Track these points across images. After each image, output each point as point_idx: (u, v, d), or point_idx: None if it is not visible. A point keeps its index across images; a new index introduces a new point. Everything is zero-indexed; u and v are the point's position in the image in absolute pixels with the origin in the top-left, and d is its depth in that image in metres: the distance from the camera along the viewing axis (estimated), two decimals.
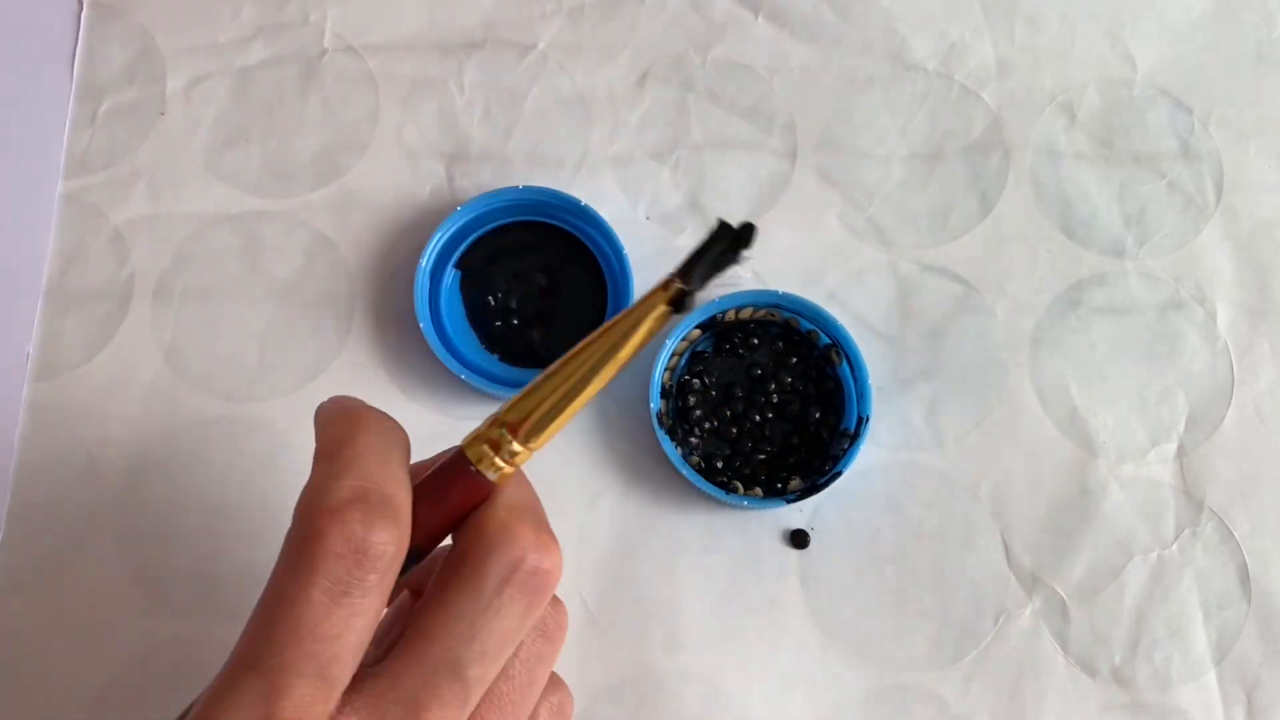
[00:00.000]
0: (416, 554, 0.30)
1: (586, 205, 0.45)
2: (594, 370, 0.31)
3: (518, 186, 0.46)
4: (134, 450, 0.46)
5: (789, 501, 0.43)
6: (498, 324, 0.46)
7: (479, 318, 0.46)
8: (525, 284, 0.46)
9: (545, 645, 0.29)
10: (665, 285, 0.31)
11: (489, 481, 0.30)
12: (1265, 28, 0.50)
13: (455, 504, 0.30)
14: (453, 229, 0.46)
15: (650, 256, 0.47)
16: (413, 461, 0.31)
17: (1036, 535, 0.44)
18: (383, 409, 0.43)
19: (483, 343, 0.46)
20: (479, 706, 0.28)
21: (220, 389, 0.46)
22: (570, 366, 0.31)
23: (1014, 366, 0.46)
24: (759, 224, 0.48)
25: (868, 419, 0.44)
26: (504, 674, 0.28)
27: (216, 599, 0.44)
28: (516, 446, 0.30)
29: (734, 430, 0.45)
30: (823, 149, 0.48)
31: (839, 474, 0.43)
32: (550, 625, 0.30)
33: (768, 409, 0.45)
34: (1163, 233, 0.47)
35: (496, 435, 0.30)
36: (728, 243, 0.32)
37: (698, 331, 0.45)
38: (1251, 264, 0.47)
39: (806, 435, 0.45)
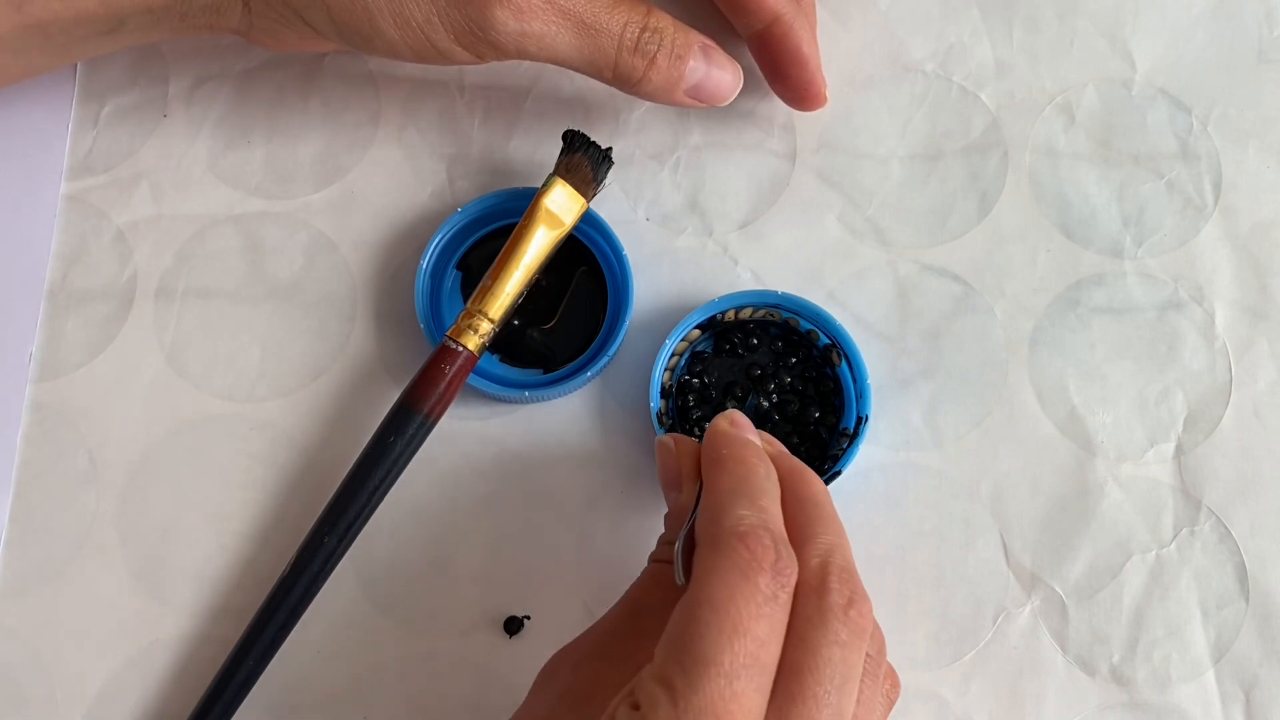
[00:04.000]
0: (426, 420, 0.42)
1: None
2: (517, 254, 0.43)
3: (518, 188, 0.46)
4: (135, 450, 0.46)
5: None
6: None
7: None
8: None
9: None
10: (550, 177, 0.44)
11: (471, 352, 0.42)
12: (1267, 26, 0.50)
13: (444, 376, 0.42)
14: (453, 230, 0.46)
15: (650, 257, 0.47)
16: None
17: (1035, 534, 0.45)
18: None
19: None
20: None
21: (222, 389, 0.46)
22: (504, 259, 0.43)
23: (1013, 366, 0.46)
24: (759, 224, 0.49)
25: (867, 419, 0.44)
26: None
27: (216, 599, 0.44)
28: (480, 320, 0.43)
29: None
30: (822, 150, 0.49)
31: (838, 473, 0.43)
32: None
33: (768, 409, 0.45)
34: (1161, 233, 0.47)
35: (466, 321, 0.43)
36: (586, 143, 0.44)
37: (697, 331, 0.45)
38: (1250, 264, 0.47)
39: (806, 435, 0.45)
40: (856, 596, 0.33)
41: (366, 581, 0.44)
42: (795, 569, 0.33)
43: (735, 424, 0.38)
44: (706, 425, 0.44)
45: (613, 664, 0.35)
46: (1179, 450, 0.45)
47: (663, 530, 0.40)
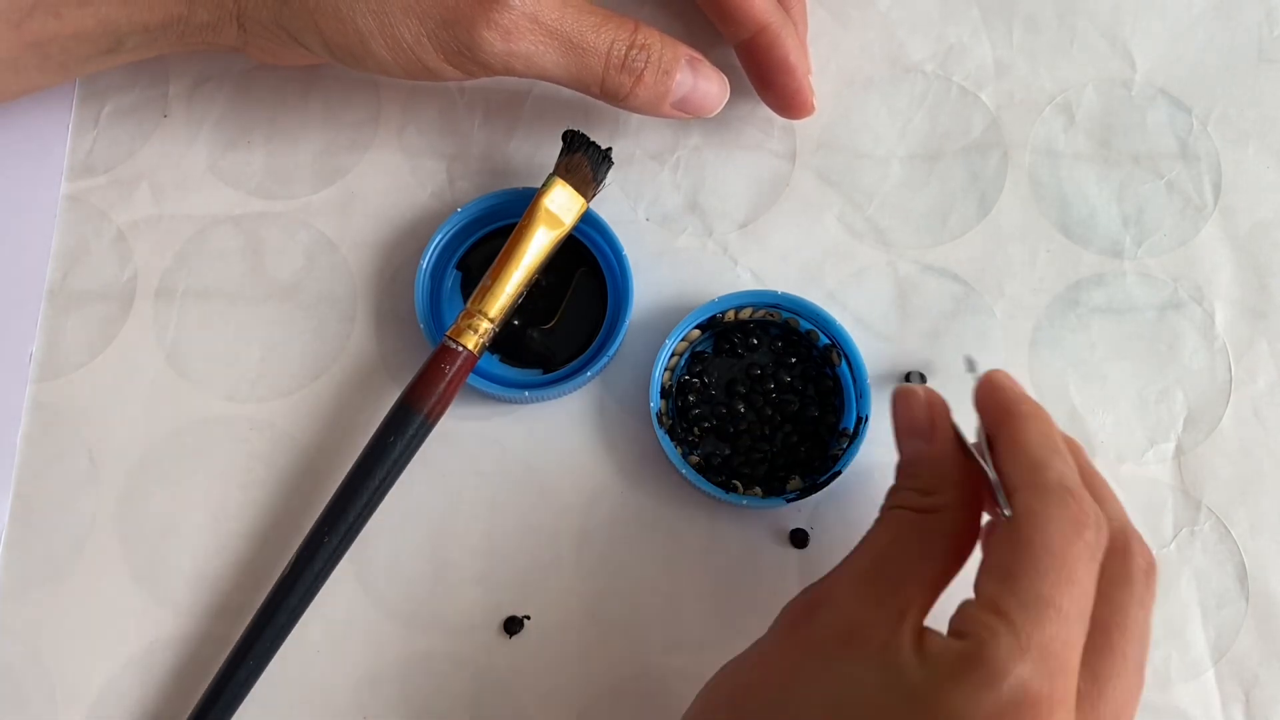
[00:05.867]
0: (426, 420, 0.42)
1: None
2: (517, 254, 0.43)
3: (518, 188, 0.46)
4: (136, 450, 0.46)
5: (789, 501, 0.43)
6: None
7: None
8: None
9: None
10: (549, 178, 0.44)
11: (471, 352, 0.42)
12: (1267, 25, 0.50)
13: (443, 376, 0.42)
14: (453, 230, 0.46)
15: (650, 257, 0.47)
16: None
17: None
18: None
19: None
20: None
21: (222, 389, 0.46)
22: (504, 259, 0.43)
23: (1013, 366, 0.46)
24: (759, 224, 0.49)
25: (867, 418, 0.44)
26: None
27: (216, 599, 0.44)
28: (480, 320, 0.43)
29: (733, 430, 0.45)
30: (821, 150, 0.49)
31: (838, 473, 0.43)
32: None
33: (767, 409, 0.45)
34: (1161, 232, 0.48)
35: (466, 321, 0.43)
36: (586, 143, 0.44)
37: (697, 331, 0.45)
38: (1250, 264, 0.47)
39: (806, 435, 0.45)
40: (1153, 564, 0.35)
41: (366, 581, 0.44)
42: (1108, 532, 0.34)
43: (1014, 381, 0.39)
44: (707, 425, 0.45)
45: (872, 604, 0.35)
46: (1179, 450, 0.45)
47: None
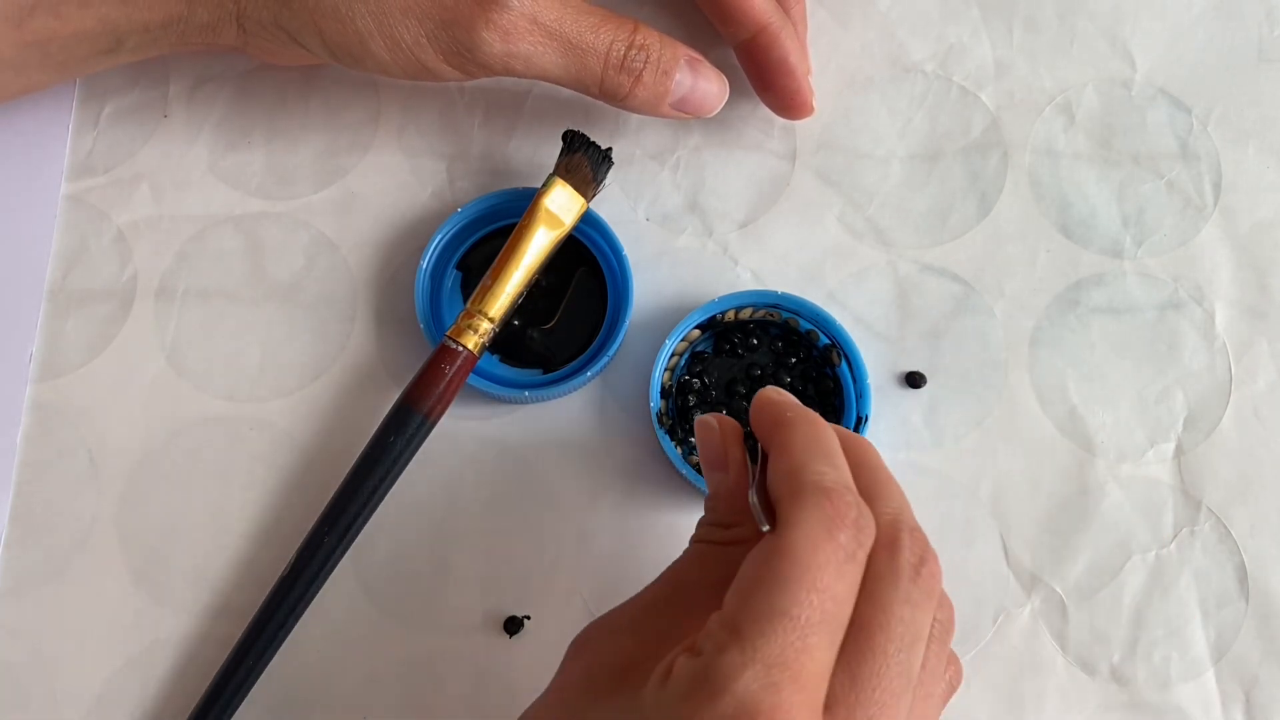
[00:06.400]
0: (426, 420, 0.42)
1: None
2: (517, 254, 0.43)
3: (518, 188, 0.46)
4: (136, 450, 0.46)
5: None
6: None
7: None
8: None
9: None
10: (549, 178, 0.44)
11: (471, 352, 0.42)
12: (1267, 25, 0.50)
13: (443, 376, 0.42)
14: (453, 230, 0.46)
15: (650, 257, 0.47)
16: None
17: (1035, 535, 0.45)
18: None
19: None
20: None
21: (222, 389, 0.46)
22: (504, 259, 0.43)
23: (1013, 366, 0.46)
24: (759, 225, 0.49)
25: (867, 419, 0.44)
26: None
27: (216, 599, 0.44)
28: (480, 320, 0.43)
29: None
30: (822, 150, 0.49)
31: None
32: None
33: None
34: (1161, 232, 0.48)
35: (466, 321, 0.43)
36: (585, 143, 0.45)
37: (697, 331, 0.45)
38: (1250, 264, 0.47)
39: None
40: (928, 556, 0.33)
41: (366, 581, 0.44)
42: (874, 528, 0.33)
43: (783, 394, 0.38)
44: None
45: (654, 636, 0.34)
46: (1179, 450, 0.45)
47: (687, 515, 0.39)
